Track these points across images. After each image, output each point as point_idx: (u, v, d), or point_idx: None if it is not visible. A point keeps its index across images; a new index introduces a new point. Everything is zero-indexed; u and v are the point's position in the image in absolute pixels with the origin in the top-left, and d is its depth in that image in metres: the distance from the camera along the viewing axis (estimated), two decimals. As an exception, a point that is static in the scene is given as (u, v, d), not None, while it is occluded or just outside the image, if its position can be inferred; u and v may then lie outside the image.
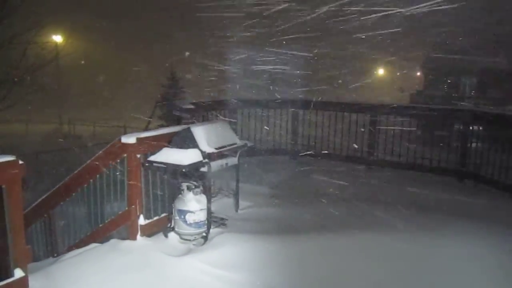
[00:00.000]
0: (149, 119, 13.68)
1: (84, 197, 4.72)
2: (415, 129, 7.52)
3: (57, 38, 25.68)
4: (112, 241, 4.16)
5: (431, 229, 4.45)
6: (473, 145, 6.76)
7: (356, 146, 7.48)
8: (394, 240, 4.14)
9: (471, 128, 6.82)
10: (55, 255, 4.98)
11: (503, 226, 4.57)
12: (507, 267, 3.76)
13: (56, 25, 25.07)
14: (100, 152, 4.45)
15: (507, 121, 6.44)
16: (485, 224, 4.60)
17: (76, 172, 4.71)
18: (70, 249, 4.51)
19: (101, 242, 4.24)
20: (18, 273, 3.18)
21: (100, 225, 4.59)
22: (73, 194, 4.81)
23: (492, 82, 13.25)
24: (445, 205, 5.42)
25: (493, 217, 4.95)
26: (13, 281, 3.14)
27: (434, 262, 3.80)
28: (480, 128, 6.93)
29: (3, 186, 3.04)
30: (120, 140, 4.16)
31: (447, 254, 3.93)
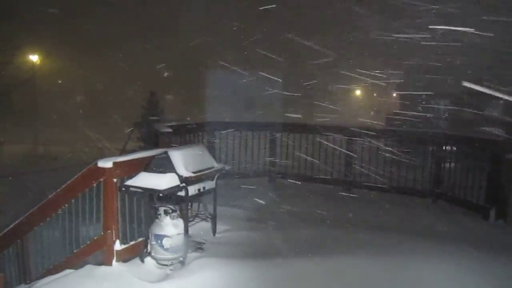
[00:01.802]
0: (126, 141, 13.57)
1: (59, 222, 4.65)
2: (390, 150, 7.67)
3: (34, 58, 25.46)
4: (87, 267, 4.09)
5: (401, 252, 4.51)
6: (447, 166, 6.92)
7: (332, 169, 7.58)
8: (369, 264, 4.18)
9: (444, 149, 7.01)
10: (28, 281, 4.86)
11: (473, 247, 4.66)
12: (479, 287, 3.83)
13: (33, 45, 24.85)
14: (76, 176, 4.42)
15: (476, 143, 6.63)
16: (456, 245, 4.69)
17: (51, 196, 4.65)
18: (44, 275, 4.42)
19: (76, 268, 4.16)
20: (-11, 302, 3.11)
21: (75, 251, 4.51)
22: (48, 218, 4.74)
23: (464, 104, 13.64)
24: (418, 226, 5.51)
25: (464, 238, 5.06)
26: (-16, 311, 3.07)
27: (407, 284, 3.85)
28: (453, 149, 7.12)
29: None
30: (96, 164, 4.14)
31: (419, 275, 3.99)
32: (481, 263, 4.26)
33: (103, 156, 4.32)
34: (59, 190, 4.54)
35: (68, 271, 4.11)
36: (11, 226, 5.10)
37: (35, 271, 5.04)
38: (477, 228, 5.67)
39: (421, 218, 5.89)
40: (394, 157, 7.47)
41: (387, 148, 7.58)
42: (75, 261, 4.41)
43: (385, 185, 7.03)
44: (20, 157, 21.07)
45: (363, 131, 7.30)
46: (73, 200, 4.45)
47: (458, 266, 4.14)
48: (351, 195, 7.19)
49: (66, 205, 4.50)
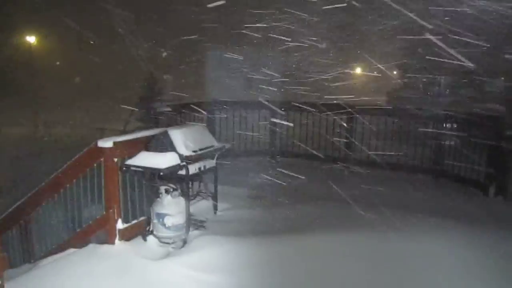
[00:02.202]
0: (127, 121, 13.55)
1: (61, 202, 4.67)
2: (392, 128, 7.66)
3: (31, 39, 25.27)
4: (90, 246, 4.13)
5: (404, 228, 4.54)
6: (447, 143, 6.93)
7: (333, 147, 7.59)
8: (370, 239, 4.22)
9: (444, 126, 7.00)
10: (32, 261, 4.91)
11: (472, 222, 4.70)
12: (477, 261, 3.87)
13: (30, 26, 24.63)
14: (77, 156, 4.42)
15: (476, 120, 6.61)
16: (457, 221, 4.72)
17: (52, 177, 4.67)
18: (47, 255, 4.46)
19: (79, 247, 4.20)
20: (-6, 281, 3.15)
21: (78, 230, 4.55)
22: (50, 199, 4.77)
23: (465, 81, 13.56)
24: (419, 203, 5.54)
25: (464, 214, 5.10)
26: (-11, 289, 3.10)
27: (408, 259, 3.89)
28: (454, 126, 7.11)
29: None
30: (96, 144, 4.15)
31: (420, 251, 4.03)
32: (479, 237, 4.31)
33: (103, 137, 4.30)
34: (60, 170, 4.56)
35: (71, 250, 4.15)
36: (14, 207, 5.14)
37: (38, 250, 5.09)
38: (477, 204, 5.71)
39: (421, 195, 5.92)
40: (395, 134, 7.47)
41: (387, 126, 7.57)
42: (78, 241, 4.44)
43: (386, 162, 7.05)
44: (20, 140, 21.06)
45: (363, 107, 7.28)
46: (74, 180, 4.46)
47: (456, 240, 4.19)
48: (352, 172, 7.20)
49: (68, 185, 4.52)
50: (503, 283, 3.64)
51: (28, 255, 5.15)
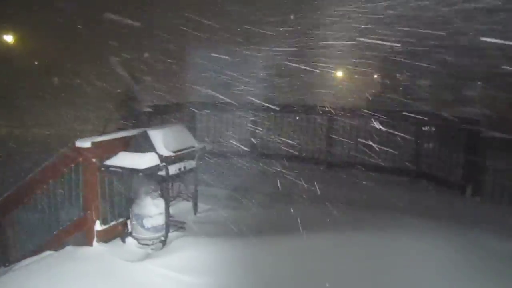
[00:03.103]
0: (106, 122, 13.37)
1: (38, 204, 4.59)
2: (371, 130, 7.73)
3: (8, 38, 24.80)
4: (67, 248, 4.06)
5: (383, 228, 4.57)
6: (426, 145, 7.04)
7: (315, 147, 7.63)
8: (347, 240, 4.24)
9: (423, 129, 7.10)
10: (7, 264, 4.80)
11: (452, 222, 4.76)
12: (455, 260, 3.92)
13: (8, 25, 24.18)
14: (54, 157, 4.35)
15: (453, 122, 6.73)
16: (435, 221, 4.78)
17: (29, 177, 4.58)
18: (23, 258, 4.37)
19: (56, 249, 4.13)
20: (-33, 284, 3.07)
21: (55, 232, 4.48)
22: (26, 200, 4.67)
23: (444, 84, 13.82)
24: (398, 204, 5.59)
25: (442, 214, 5.16)
26: (-39, 293, 3.03)
27: (386, 259, 3.92)
28: (432, 128, 7.22)
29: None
30: (74, 144, 4.09)
31: (398, 250, 4.06)
32: (456, 236, 4.37)
33: (82, 138, 4.23)
34: (37, 171, 4.48)
35: (47, 252, 4.08)
36: (-12, 209, 5.01)
37: (14, 254, 4.98)
38: (454, 204, 5.79)
39: (401, 196, 5.97)
40: (375, 136, 7.54)
41: (367, 127, 7.64)
42: (55, 243, 4.37)
43: (366, 164, 7.11)
44: (-3, 140, 20.63)
45: (343, 110, 7.34)
46: (52, 181, 4.39)
47: (434, 239, 4.23)
48: (333, 173, 7.25)
49: (45, 186, 4.44)
50: (478, 280, 3.70)
51: (3, 258, 5.03)
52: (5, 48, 24.28)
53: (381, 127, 7.60)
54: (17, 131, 22.29)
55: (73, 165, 4.21)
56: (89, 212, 4.12)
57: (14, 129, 22.50)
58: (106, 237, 4.28)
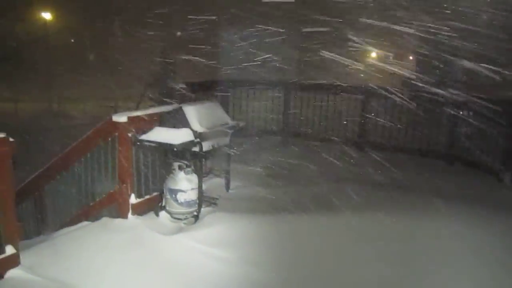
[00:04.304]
0: (140, 98, 13.58)
1: (75, 176, 4.70)
2: (406, 112, 7.56)
3: (46, 15, 25.30)
4: (103, 219, 4.17)
5: (416, 210, 4.52)
6: (463, 129, 6.83)
7: (346, 128, 7.54)
8: (382, 220, 4.20)
9: (460, 111, 6.89)
10: (46, 233, 4.98)
11: (485, 207, 4.65)
12: (491, 244, 3.84)
13: (45, 2, 24.64)
14: (91, 130, 4.44)
15: (492, 105, 6.49)
16: (468, 205, 4.68)
17: (67, 150, 4.69)
18: (61, 227, 4.52)
19: (92, 220, 4.25)
20: (10, 249, 3.20)
21: (91, 204, 4.59)
22: (64, 172, 4.80)
23: (485, 66, 13.31)
24: (433, 187, 5.48)
25: (478, 199, 5.04)
26: (5, 257, 3.16)
27: (418, 241, 3.88)
28: (470, 112, 6.99)
29: (-7, 163, 3.03)
30: (111, 118, 4.15)
31: (431, 233, 4.02)
32: (490, 222, 4.27)
33: (117, 112, 4.30)
34: (74, 144, 4.58)
35: (84, 223, 4.20)
36: (29, 179, 5.19)
37: (52, 223, 5.16)
38: (491, 190, 5.64)
39: (436, 179, 5.85)
40: (410, 118, 7.38)
41: (403, 109, 7.47)
42: (91, 214, 4.50)
43: (400, 146, 6.99)
44: (35, 115, 21.28)
45: (378, 90, 7.19)
46: (88, 154, 4.48)
47: (468, 223, 4.16)
48: (365, 154, 7.15)
49: (82, 158, 4.54)
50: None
51: (42, 226, 5.23)
52: (42, 25, 24.77)
53: (417, 109, 7.43)
54: (55, 106, 22.93)
55: (109, 139, 4.28)
56: (124, 185, 4.20)
57: (52, 104, 23.13)
58: (140, 210, 4.37)
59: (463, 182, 5.89)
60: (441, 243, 3.89)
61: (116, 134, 4.18)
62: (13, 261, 3.21)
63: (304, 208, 4.49)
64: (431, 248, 3.80)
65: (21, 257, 3.28)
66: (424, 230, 4.07)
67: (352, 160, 6.58)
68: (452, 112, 6.89)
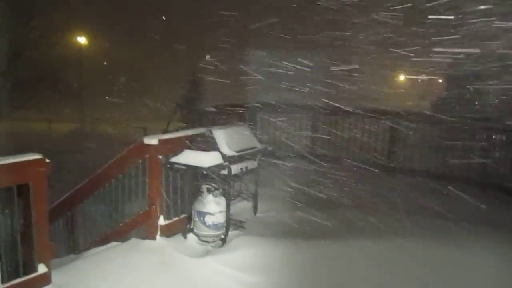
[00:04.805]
0: (170, 120, 13.81)
1: (106, 196, 4.80)
2: (437, 137, 7.44)
3: (81, 40, 26.25)
4: (132, 240, 4.23)
5: (445, 237, 4.41)
6: (496, 155, 6.67)
7: (375, 153, 7.46)
8: (411, 248, 4.12)
9: (494, 137, 6.74)
10: (77, 252, 5.07)
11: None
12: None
13: (80, 27, 25.58)
14: (123, 152, 4.53)
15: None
16: (501, 233, 4.53)
17: (99, 171, 4.80)
18: (90, 246, 4.59)
19: (121, 240, 4.30)
20: (42, 268, 3.27)
21: (121, 224, 4.66)
22: (96, 192, 4.90)
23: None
24: (465, 213, 5.35)
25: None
26: (37, 276, 3.23)
27: (446, 269, 3.78)
28: (504, 138, 6.83)
29: (30, 184, 3.13)
30: (142, 141, 4.24)
31: (459, 262, 3.91)
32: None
33: (146, 135, 4.40)
34: (107, 165, 4.68)
35: (114, 243, 4.26)
36: (62, 198, 5.31)
37: (83, 242, 5.26)
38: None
39: (468, 206, 5.70)
40: (440, 143, 7.25)
41: (432, 134, 7.36)
42: (120, 234, 4.55)
43: (430, 171, 6.85)
44: (67, 135, 21.89)
45: (408, 115, 7.12)
46: (120, 175, 4.57)
47: (498, 252, 4.03)
48: (397, 180, 7.03)
49: (113, 180, 4.63)
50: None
51: (73, 245, 5.32)
52: (78, 48, 25.66)
53: (446, 133, 7.30)
54: (87, 126, 23.53)
55: (140, 161, 4.36)
56: (153, 206, 4.25)
57: (84, 125, 23.75)
58: (168, 231, 4.40)
59: (496, 209, 5.71)
60: (469, 272, 3.77)
61: (147, 156, 4.26)
62: (45, 279, 3.28)
63: (334, 235, 4.43)
64: (459, 277, 3.70)
65: (52, 275, 3.34)
66: (449, 258, 3.97)
67: (383, 186, 6.48)
68: (485, 137, 6.75)
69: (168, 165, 4.27)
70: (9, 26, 16.45)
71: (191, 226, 4.44)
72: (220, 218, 4.32)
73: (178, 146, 4.38)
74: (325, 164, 7.62)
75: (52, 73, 19.20)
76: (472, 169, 6.80)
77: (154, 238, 4.26)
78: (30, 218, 3.16)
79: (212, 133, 4.32)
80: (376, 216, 5.00)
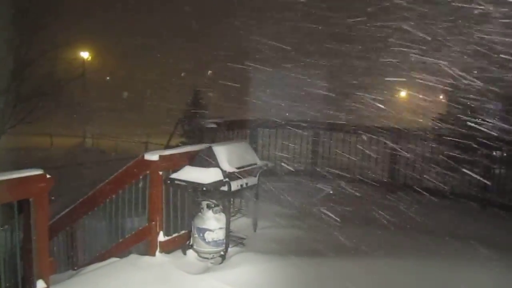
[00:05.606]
0: (171, 135, 13.87)
1: (106, 211, 4.80)
2: (436, 154, 7.45)
3: (84, 55, 26.50)
4: (132, 256, 4.21)
5: (450, 256, 4.39)
6: (496, 171, 6.67)
7: (376, 170, 7.46)
8: (411, 266, 4.11)
9: (494, 154, 6.75)
10: (75, 268, 5.05)
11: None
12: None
13: (83, 43, 25.84)
14: (124, 168, 4.55)
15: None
16: (502, 252, 4.51)
17: (99, 186, 4.81)
18: (90, 262, 4.58)
19: (120, 257, 4.29)
20: (40, 284, 3.26)
21: (120, 240, 4.66)
22: (96, 208, 4.91)
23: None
24: (465, 231, 5.33)
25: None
26: (36, 292, 3.22)
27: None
28: (504, 154, 6.84)
29: (31, 199, 3.14)
30: (143, 157, 4.26)
31: (460, 280, 3.88)
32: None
33: (147, 150, 4.42)
34: (107, 181, 4.69)
35: (113, 259, 4.24)
36: (62, 214, 5.31)
37: (82, 258, 5.24)
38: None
39: (468, 223, 5.70)
40: (441, 160, 7.26)
41: (433, 151, 7.38)
42: (119, 250, 4.55)
43: (431, 189, 6.84)
44: (69, 150, 21.96)
45: (410, 132, 7.15)
46: (120, 191, 4.58)
47: (502, 272, 4.01)
48: (396, 197, 7.02)
49: (114, 195, 4.64)
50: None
51: (72, 261, 5.31)
52: (81, 63, 25.88)
53: (448, 151, 7.31)
54: (89, 141, 23.60)
55: (140, 177, 4.38)
56: (153, 222, 4.25)
57: (86, 139, 23.83)
58: (168, 248, 4.40)
59: (495, 227, 5.70)
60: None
61: (148, 172, 4.28)
62: (44, 296, 3.27)
63: (332, 252, 4.42)
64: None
65: (50, 291, 3.34)
66: (455, 278, 3.94)
67: (382, 203, 6.48)
68: (485, 152, 6.76)
69: (169, 181, 4.28)
70: (12, 41, 16.61)
71: (191, 243, 4.43)
72: (220, 235, 4.31)
73: (179, 162, 4.40)
74: (327, 181, 7.63)
75: (55, 87, 19.32)
76: (473, 185, 6.80)
77: (153, 254, 4.25)
78: (30, 233, 3.16)
79: (212, 150, 4.34)
80: (376, 233, 5.00)
